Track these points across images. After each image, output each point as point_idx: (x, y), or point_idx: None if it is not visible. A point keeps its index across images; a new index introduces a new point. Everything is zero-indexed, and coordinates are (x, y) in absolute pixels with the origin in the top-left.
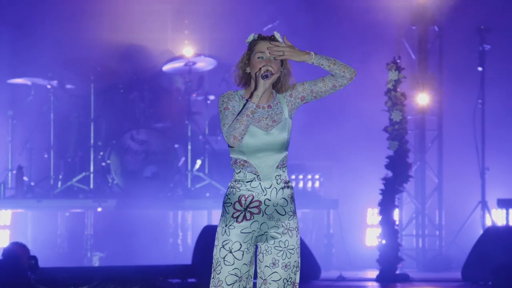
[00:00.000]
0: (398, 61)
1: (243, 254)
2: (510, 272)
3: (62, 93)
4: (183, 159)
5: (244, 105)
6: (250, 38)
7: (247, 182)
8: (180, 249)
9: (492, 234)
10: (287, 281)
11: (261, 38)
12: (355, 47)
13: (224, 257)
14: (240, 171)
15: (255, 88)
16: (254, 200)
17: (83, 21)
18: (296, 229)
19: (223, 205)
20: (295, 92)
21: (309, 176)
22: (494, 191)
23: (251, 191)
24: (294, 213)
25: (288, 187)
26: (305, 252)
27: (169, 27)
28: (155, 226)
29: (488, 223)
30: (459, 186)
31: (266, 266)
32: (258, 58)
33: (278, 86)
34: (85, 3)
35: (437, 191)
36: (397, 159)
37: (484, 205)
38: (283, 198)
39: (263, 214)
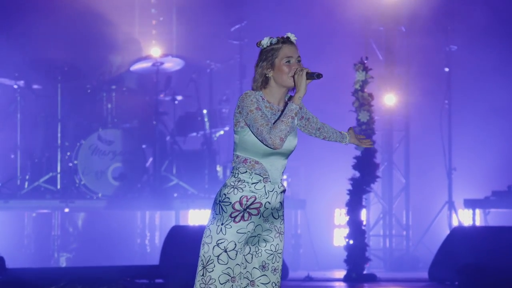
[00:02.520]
0: (365, 61)
1: (236, 254)
2: (476, 272)
3: (29, 93)
4: (150, 159)
5: (284, 107)
6: (267, 41)
7: (252, 183)
8: (147, 250)
9: (459, 234)
10: (275, 285)
11: (282, 41)
12: (322, 47)
13: (218, 256)
14: (246, 171)
15: (296, 90)
16: (255, 201)
17: (50, 20)
18: (283, 233)
19: (219, 204)
20: (303, 109)
21: None
22: (460, 192)
23: (254, 192)
24: (283, 217)
25: (284, 191)
26: None
27: (136, 27)
28: (123, 226)
29: (455, 223)
30: (426, 186)
31: (254, 268)
32: (286, 62)
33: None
34: (52, 3)
35: (404, 191)
36: (364, 159)
37: (451, 205)
38: (280, 202)
39: (260, 216)
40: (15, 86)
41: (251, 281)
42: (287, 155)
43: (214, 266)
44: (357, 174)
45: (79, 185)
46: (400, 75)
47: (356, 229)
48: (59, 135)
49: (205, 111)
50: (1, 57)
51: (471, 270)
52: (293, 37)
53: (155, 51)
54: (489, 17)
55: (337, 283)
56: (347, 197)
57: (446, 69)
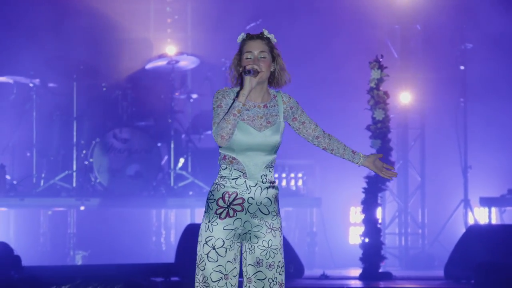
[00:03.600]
0: (380, 59)
1: (226, 251)
2: (492, 270)
3: (45, 92)
4: (166, 157)
5: (232, 104)
6: (240, 38)
7: (232, 179)
8: (163, 248)
9: (475, 233)
10: (273, 280)
11: (249, 37)
12: (338, 45)
13: (207, 254)
14: (226, 168)
15: (241, 87)
16: (237, 197)
17: (65, 19)
18: (280, 229)
19: (207, 201)
20: (295, 110)
21: (292, 175)
22: (476, 190)
23: (235, 188)
24: (278, 213)
25: (273, 187)
26: (288, 250)
27: (151, 25)
28: (138, 224)
29: (471, 221)
30: (442, 184)
31: (250, 264)
32: (247, 58)
33: (274, 82)
34: (67, 2)
35: (420, 190)
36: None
37: (466, 204)
38: (267, 197)
39: (246, 212)
40: (31, 85)
41: (247, 278)
42: (267, 150)
43: (205, 264)
44: (373, 172)
45: (95, 183)
46: (416, 73)
47: (372, 227)
48: (74, 133)
49: None
50: (17, 56)
51: (487, 268)
52: (266, 33)
53: (170, 49)
54: (504, 15)
55: (352, 281)
56: (363, 195)
57: (462, 67)
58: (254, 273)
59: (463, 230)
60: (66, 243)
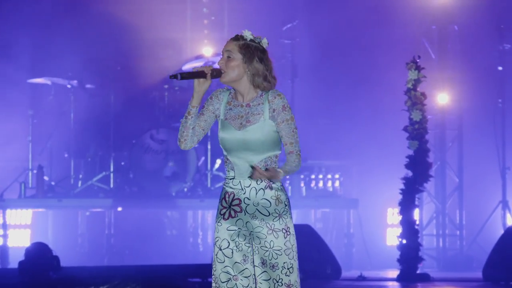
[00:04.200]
0: (417, 60)
1: (232, 252)
2: None
3: (82, 93)
4: (202, 158)
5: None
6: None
7: (230, 179)
8: (200, 249)
9: None
10: (277, 281)
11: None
12: (375, 46)
13: (216, 254)
14: (226, 168)
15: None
16: (235, 198)
17: (102, 20)
18: (284, 231)
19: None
20: (276, 115)
21: (329, 176)
22: None
23: (233, 188)
24: (281, 214)
25: (271, 188)
26: (325, 251)
27: (188, 26)
28: (175, 225)
29: (509, 222)
30: (480, 185)
31: (255, 265)
32: (222, 57)
33: (254, 85)
34: (104, 3)
35: (458, 191)
36: (417, 158)
37: (504, 205)
38: (265, 199)
39: (245, 213)
40: (69, 86)
41: (256, 278)
42: (253, 150)
43: (215, 265)
44: (410, 173)
45: (132, 184)
46: (453, 74)
47: (409, 229)
48: (111, 134)
49: None
50: (54, 57)
51: None
52: (245, 34)
53: (207, 50)
54: None
55: (390, 283)
56: (400, 196)
57: (500, 68)
58: (260, 274)
59: (501, 231)
60: (104, 244)
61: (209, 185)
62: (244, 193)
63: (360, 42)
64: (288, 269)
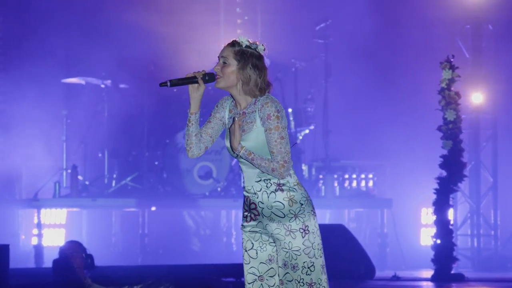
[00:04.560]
0: (452, 60)
1: (257, 253)
2: None
3: (116, 93)
4: None
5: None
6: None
7: (245, 185)
8: (233, 248)
9: None
10: (298, 282)
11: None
12: (409, 46)
13: (243, 256)
14: (241, 173)
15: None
16: (251, 202)
17: (136, 20)
18: (301, 230)
19: None
20: (263, 123)
21: (363, 176)
22: None
23: (248, 193)
24: (297, 214)
25: (282, 190)
26: (359, 251)
27: (221, 26)
28: (208, 225)
29: None
30: None
31: (279, 267)
32: (217, 63)
33: (245, 93)
34: (137, 4)
35: (492, 191)
36: (451, 158)
37: None
38: (278, 201)
39: (262, 216)
40: (102, 86)
41: (280, 280)
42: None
43: (244, 266)
44: (444, 173)
45: (166, 184)
46: (487, 73)
47: (444, 229)
48: (145, 133)
49: (290, 110)
50: (88, 57)
51: None
52: (240, 39)
53: None
54: None
55: (424, 283)
56: (434, 196)
57: None
58: (284, 275)
59: None
60: (138, 243)
61: (242, 184)
62: (257, 197)
63: (393, 42)
64: (308, 268)
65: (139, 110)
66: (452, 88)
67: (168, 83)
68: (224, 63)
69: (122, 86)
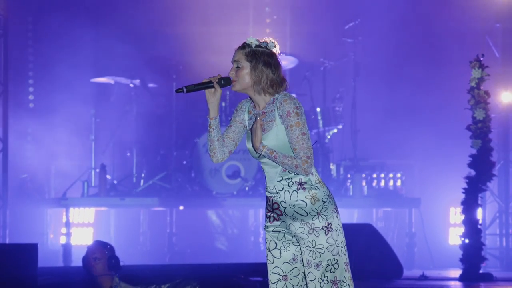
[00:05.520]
0: (481, 58)
1: (280, 252)
2: None
3: (145, 92)
4: None
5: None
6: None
7: (267, 185)
8: (261, 247)
9: None
10: (322, 280)
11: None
12: (439, 45)
13: (266, 256)
14: (264, 174)
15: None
16: (274, 202)
17: (164, 20)
18: (324, 228)
19: None
20: (283, 120)
21: (391, 175)
22: None
23: (270, 193)
24: (320, 212)
25: (304, 188)
26: (387, 251)
27: (250, 26)
28: (236, 224)
29: None
30: None
31: (303, 265)
32: (232, 67)
33: (258, 92)
34: (166, 3)
35: None
36: (480, 157)
37: None
38: (300, 200)
39: (285, 215)
40: (131, 85)
41: (305, 277)
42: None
43: (267, 266)
44: (473, 172)
45: (194, 183)
46: None
47: (472, 228)
48: (174, 133)
49: (318, 109)
50: (117, 57)
51: None
52: (249, 41)
53: None
54: None
55: (452, 282)
56: (463, 195)
57: None
58: (308, 273)
59: None
60: (166, 242)
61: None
62: (279, 197)
63: (422, 41)
64: (332, 265)
65: (167, 109)
66: (481, 87)
67: (184, 89)
68: (238, 67)
69: (150, 85)
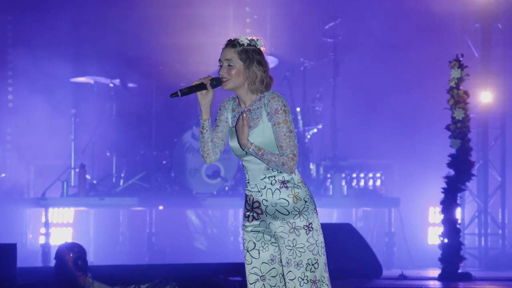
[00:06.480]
0: (461, 58)
1: (259, 253)
2: None
3: (124, 92)
4: None
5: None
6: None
7: (248, 183)
8: (241, 247)
9: None
10: (302, 279)
11: (224, 45)
12: (418, 45)
13: (244, 257)
14: (244, 172)
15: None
16: (254, 200)
17: (144, 21)
18: (305, 227)
19: None
20: (270, 117)
21: (370, 175)
22: None
23: (251, 192)
24: (301, 211)
25: (286, 187)
26: (366, 250)
27: (230, 25)
28: (215, 224)
29: None
30: None
31: (282, 265)
32: (219, 67)
33: (251, 91)
34: (146, 3)
35: (500, 190)
36: (459, 157)
37: None
38: (282, 198)
39: (266, 214)
40: (111, 85)
41: (283, 277)
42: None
43: (245, 267)
44: (452, 172)
45: (173, 183)
46: (496, 72)
47: (451, 228)
48: (153, 133)
49: (298, 109)
50: (97, 56)
51: None
52: (241, 39)
53: None
54: None
55: (431, 282)
56: (442, 195)
57: None
58: (287, 273)
59: None
60: (145, 242)
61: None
62: (261, 195)
63: (402, 40)
64: (312, 265)
65: (147, 109)
66: (460, 87)
67: (179, 93)
68: (230, 65)
69: (130, 85)
